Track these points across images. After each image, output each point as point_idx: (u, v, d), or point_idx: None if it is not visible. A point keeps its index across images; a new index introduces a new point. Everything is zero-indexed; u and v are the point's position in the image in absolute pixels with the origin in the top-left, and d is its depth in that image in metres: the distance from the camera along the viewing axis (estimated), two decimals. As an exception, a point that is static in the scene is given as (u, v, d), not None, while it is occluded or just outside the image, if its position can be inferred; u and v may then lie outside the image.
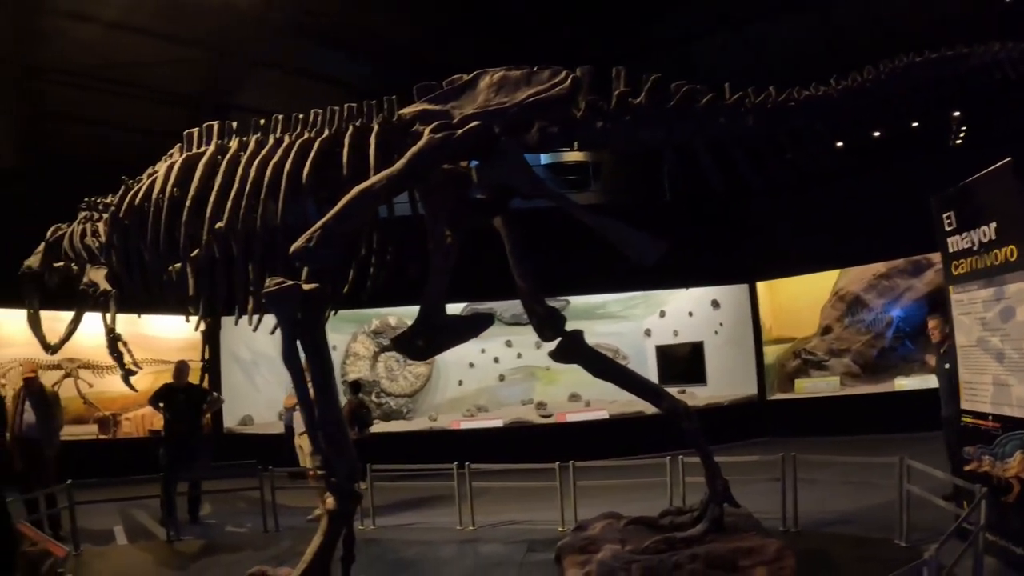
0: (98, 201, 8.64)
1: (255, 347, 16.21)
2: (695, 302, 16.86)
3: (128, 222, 7.58)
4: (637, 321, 16.70)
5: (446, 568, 7.88)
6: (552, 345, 7.02)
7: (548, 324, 6.90)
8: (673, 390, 7.39)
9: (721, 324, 16.94)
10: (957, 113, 15.17)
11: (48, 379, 12.24)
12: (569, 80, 5.97)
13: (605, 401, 15.69)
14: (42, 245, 9.46)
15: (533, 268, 6.98)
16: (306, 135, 6.74)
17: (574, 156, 17.29)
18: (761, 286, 17.22)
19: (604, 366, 7.11)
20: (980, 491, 5.95)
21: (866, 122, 7.81)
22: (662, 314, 16.76)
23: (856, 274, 16.02)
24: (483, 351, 15.86)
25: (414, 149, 5.81)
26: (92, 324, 9.63)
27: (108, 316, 8.73)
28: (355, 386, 12.82)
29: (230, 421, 16.53)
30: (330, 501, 5.49)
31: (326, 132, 6.65)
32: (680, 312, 16.80)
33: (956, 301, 7.54)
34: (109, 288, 8.37)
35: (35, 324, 10.06)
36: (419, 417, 16.30)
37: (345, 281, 6.82)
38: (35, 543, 6.06)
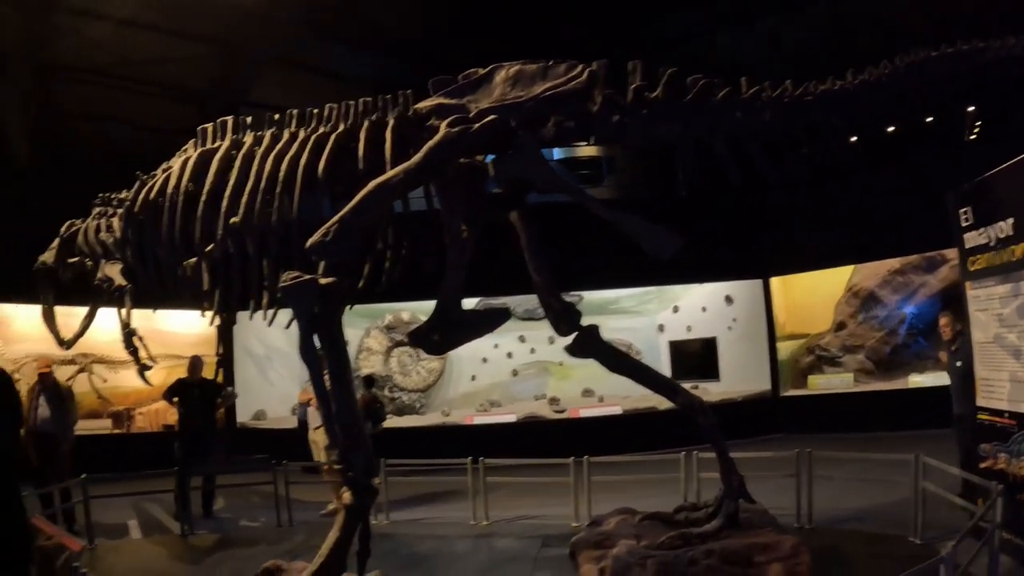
0: (112, 197, 8.68)
1: (268, 342, 16.28)
2: (708, 297, 16.82)
3: (143, 217, 7.60)
4: (650, 316, 16.67)
5: (460, 563, 7.87)
6: (567, 340, 7.02)
7: (564, 319, 6.89)
8: (686, 386, 7.36)
9: (734, 320, 16.88)
10: (972, 108, 15.06)
11: (62, 374, 12.30)
12: (585, 74, 5.95)
13: (618, 396, 15.70)
14: (56, 241, 9.51)
15: (549, 262, 6.97)
16: (321, 130, 6.74)
17: (587, 151, 17.25)
18: (775, 282, 17.15)
19: (620, 361, 7.11)
20: (996, 489, 5.91)
21: (882, 116, 7.77)
22: (675, 309, 16.72)
23: (870, 270, 15.95)
24: (496, 346, 15.85)
25: (431, 143, 5.80)
26: (106, 319, 9.69)
27: (123, 311, 8.76)
28: (369, 381, 12.84)
29: (243, 416, 16.61)
30: (347, 496, 5.49)
31: (341, 127, 6.65)
32: (693, 307, 16.76)
33: (972, 297, 7.49)
34: (124, 283, 8.41)
35: (49, 319, 10.13)
36: (432, 412, 16.32)
37: (360, 275, 6.82)
38: (50, 537, 6.07)
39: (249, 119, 7.28)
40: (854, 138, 12.90)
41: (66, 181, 12.86)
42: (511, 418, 15.97)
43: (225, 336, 16.18)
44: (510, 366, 16.41)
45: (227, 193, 6.85)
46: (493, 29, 14.55)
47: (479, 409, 16.20)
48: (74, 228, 9.33)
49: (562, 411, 16.08)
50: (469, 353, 15.27)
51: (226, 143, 7.18)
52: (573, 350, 6.96)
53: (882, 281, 15.72)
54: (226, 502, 11.72)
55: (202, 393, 11.13)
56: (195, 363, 11.35)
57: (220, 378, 14.58)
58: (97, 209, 9.01)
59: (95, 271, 8.96)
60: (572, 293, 14.86)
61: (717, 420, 6.79)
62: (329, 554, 5.36)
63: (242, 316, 7.73)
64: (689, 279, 16.36)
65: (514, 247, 7.01)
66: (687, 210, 15.22)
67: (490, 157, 6.44)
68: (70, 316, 10.27)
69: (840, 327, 16.27)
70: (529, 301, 13.76)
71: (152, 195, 7.50)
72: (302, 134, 6.80)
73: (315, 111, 6.94)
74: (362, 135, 6.46)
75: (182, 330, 15.58)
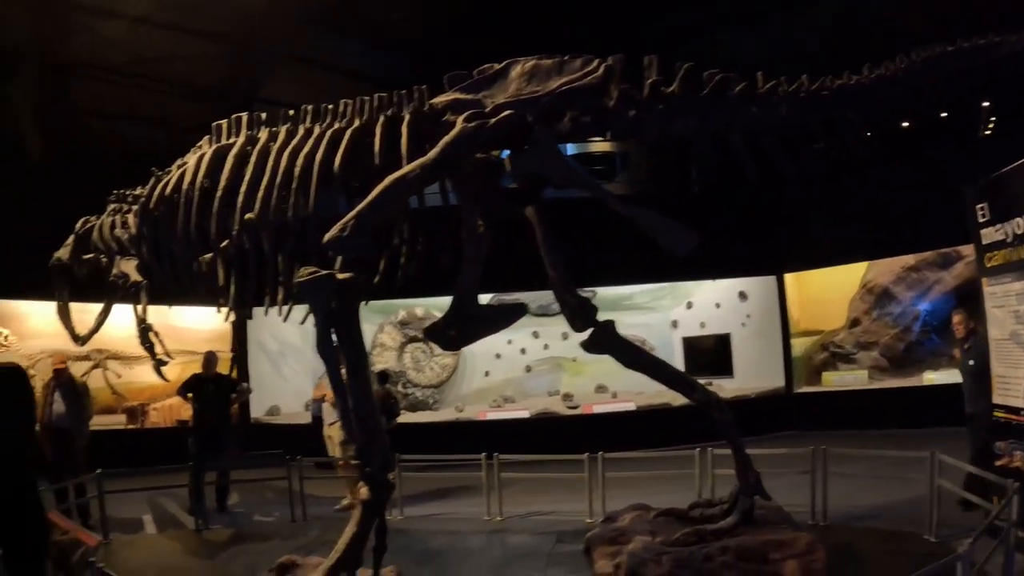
0: (127, 193, 8.72)
1: (282, 338, 16.34)
2: (722, 294, 16.77)
3: (158, 213, 7.62)
4: (664, 312, 16.64)
5: (474, 558, 7.87)
6: (580, 336, 7.01)
7: (580, 315, 6.87)
8: (699, 382, 7.34)
9: (748, 316, 16.81)
10: (986, 103, 14.98)
11: (77, 370, 12.35)
12: (602, 69, 5.93)
13: (632, 392, 15.67)
14: (71, 237, 9.54)
15: (564, 258, 6.95)
16: (336, 125, 6.72)
17: (600, 146, 17.21)
18: (789, 278, 17.07)
19: (636, 357, 7.09)
20: (1012, 487, 5.88)
21: (898, 111, 7.73)
22: (689, 305, 16.69)
23: (885, 266, 15.87)
24: (510, 342, 15.85)
25: (447, 138, 5.79)
26: (120, 316, 9.73)
27: (139, 307, 8.80)
28: (382, 376, 12.85)
29: (257, 411, 16.63)
30: (363, 491, 5.50)
31: (356, 122, 6.64)
32: (707, 304, 16.72)
33: (989, 294, 7.46)
34: (140, 279, 8.45)
35: (64, 315, 10.17)
36: (446, 408, 16.35)
37: (376, 271, 6.82)
38: (66, 532, 6.10)
39: (263, 115, 7.29)
40: (868, 133, 12.84)
41: (80, 178, 12.93)
42: (524, 414, 15.96)
43: (239, 332, 16.26)
44: (523, 362, 16.42)
45: (242, 189, 6.85)
46: (503, 24, 14.52)
47: (492, 405, 16.19)
48: (89, 225, 9.37)
49: (575, 407, 16.06)
50: (482, 349, 15.31)
51: (241, 139, 7.19)
52: (589, 346, 6.93)
53: (897, 277, 15.64)
54: (240, 497, 11.74)
55: (217, 389, 11.17)
56: (210, 359, 11.38)
57: (235, 374, 14.63)
58: (112, 206, 9.05)
59: (110, 267, 9.01)
60: (585, 289, 14.84)
61: (733, 416, 6.78)
62: (345, 549, 5.38)
63: (256, 312, 7.74)
64: (703, 275, 16.31)
65: (526, 243, 7.00)
66: (701, 206, 15.16)
67: (505, 152, 6.44)
68: (85, 312, 10.32)
69: (854, 324, 16.21)
70: (542, 297, 13.79)
71: (167, 191, 7.51)
72: (317, 130, 6.79)
73: (330, 107, 6.92)
74: (378, 130, 6.45)
75: (196, 326, 15.64)
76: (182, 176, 7.43)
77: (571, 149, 17.17)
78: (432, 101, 6.47)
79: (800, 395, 16.69)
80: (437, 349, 15.83)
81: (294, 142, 6.82)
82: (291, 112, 7.13)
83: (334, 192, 6.52)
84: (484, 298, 7.32)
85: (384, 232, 6.65)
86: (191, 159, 7.53)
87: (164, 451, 11.62)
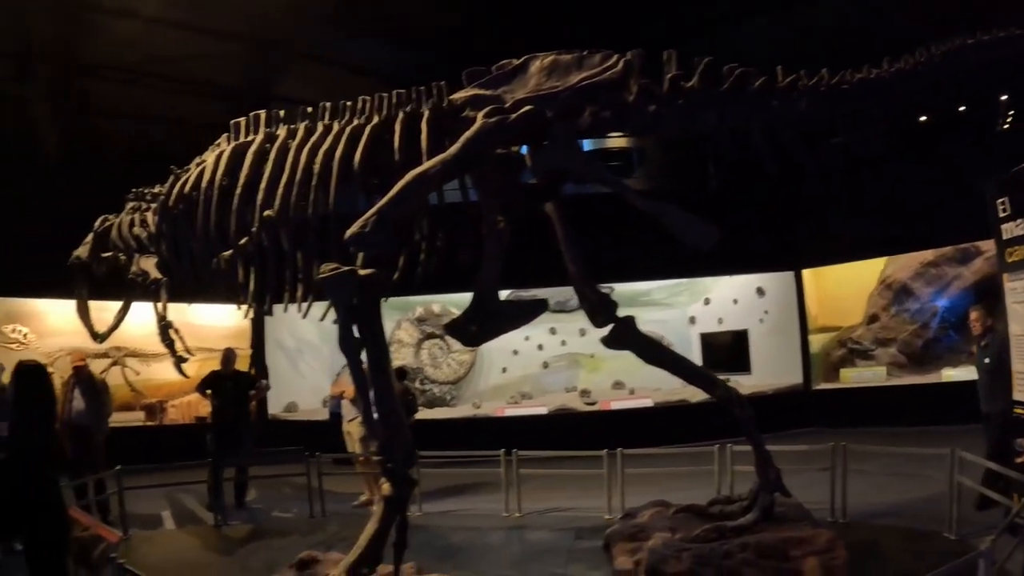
0: (145, 191, 8.76)
1: (299, 335, 16.42)
2: (740, 290, 16.68)
3: (177, 211, 7.64)
4: (681, 308, 16.56)
5: (494, 554, 7.89)
6: (597, 332, 7.01)
7: (600, 310, 6.87)
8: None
9: (766, 312, 16.72)
10: (1005, 97, 14.86)
11: (95, 367, 12.41)
12: (621, 64, 5.89)
13: (649, 389, 15.64)
14: (90, 236, 9.59)
15: (583, 253, 6.94)
16: (355, 122, 6.71)
17: (617, 142, 17.14)
18: (807, 273, 16.95)
19: (656, 353, 7.09)
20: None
21: (918, 105, 7.67)
22: (706, 301, 16.60)
23: (903, 262, 15.70)
24: (527, 338, 15.80)
25: (468, 134, 5.77)
26: (138, 313, 9.78)
27: (159, 304, 8.83)
28: (400, 373, 12.88)
29: (275, 408, 16.72)
30: (386, 487, 5.49)
31: (376, 119, 6.62)
32: (725, 300, 16.62)
33: (1010, 289, 7.40)
34: (160, 276, 8.48)
35: (84, 313, 10.23)
36: (463, 404, 16.37)
37: (397, 267, 6.82)
38: (87, 528, 6.12)
39: (282, 113, 7.29)
40: (887, 128, 12.75)
41: (98, 177, 13.03)
42: (542, 410, 15.99)
43: (257, 329, 16.33)
44: (541, 358, 16.37)
45: (262, 186, 6.86)
46: (523, 19, 14.50)
47: (510, 401, 16.20)
48: (107, 223, 9.43)
49: (593, 403, 16.05)
50: (500, 345, 15.21)
51: (260, 137, 7.19)
52: (610, 342, 6.92)
53: (915, 273, 15.49)
54: (259, 493, 11.81)
55: (235, 385, 11.24)
56: (228, 355, 11.44)
57: (254, 372, 14.67)
58: (130, 204, 9.10)
59: (128, 265, 9.05)
60: (603, 285, 14.79)
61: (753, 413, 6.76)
62: (367, 545, 5.37)
63: (274, 309, 7.75)
64: (721, 271, 16.21)
65: (543, 239, 6.99)
66: (718, 202, 15.13)
67: (524, 148, 6.43)
68: (103, 311, 10.37)
69: (872, 320, 16.07)
70: (560, 293, 13.73)
71: (187, 189, 7.53)
72: (336, 127, 6.79)
73: (348, 103, 6.91)
74: (397, 127, 6.44)
75: (214, 323, 15.70)
76: (201, 174, 7.44)
77: (587, 145, 17.09)
78: (451, 97, 6.45)
79: (818, 392, 16.61)
80: (454, 345, 15.89)
81: (313, 139, 6.81)
82: (309, 109, 7.13)
83: (353, 189, 6.52)
84: (501, 295, 7.31)
85: (405, 228, 6.63)
86: (210, 157, 7.54)
87: (182, 447, 11.68)
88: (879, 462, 9.30)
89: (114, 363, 15.25)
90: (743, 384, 15.49)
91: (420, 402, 14.65)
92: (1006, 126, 15.10)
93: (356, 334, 5.52)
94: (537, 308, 7.27)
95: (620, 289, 15.52)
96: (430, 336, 16.34)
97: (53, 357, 13.68)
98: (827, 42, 14.31)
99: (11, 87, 14.61)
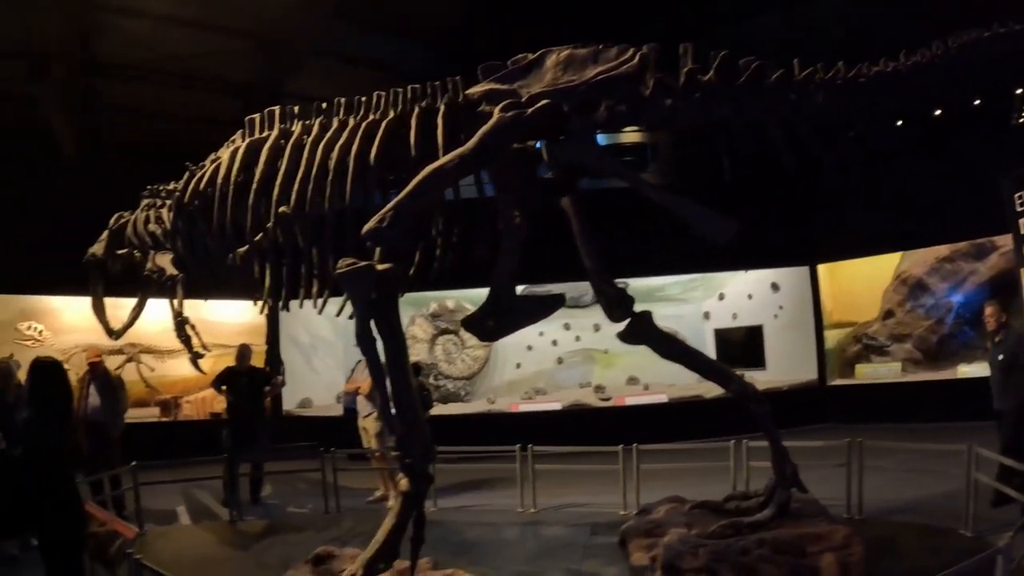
0: (160, 188, 8.78)
1: (314, 331, 16.46)
2: (754, 285, 16.63)
3: (192, 207, 7.67)
4: (696, 304, 16.51)
5: (510, 550, 7.87)
6: (612, 328, 7.00)
7: (617, 305, 6.84)
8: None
9: (781, 307, 16.66)
10: (1021, 90, 14.76)
11: (111, 364, 12.46)
12: (637, 58, 5.85)
13: (663, 384, 15.66)
14: (105, 233, 9.64)
15: (600, 248, 6.92)
16: (371, 117, 6.69)
17: (631, 137, 17.08)
18: (822, 269, 16.88)
19: (673, 347, 7.05)
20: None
21: (935, 98, 7.60)
22: (721, 297, 16.56)
23: (919, 257, 15.62)
24: (541, 334, 15.78)
25: (484, 128, 5.74)
26: (153, 310, 9.82)
27: (175, 300, 8.86)
28: (415, 369, 12.88)
29: (289, 404, 16.77)
30: (404, 482, 5.49)
31: (391, 114, 6.60)
32: (739, 295, 16.58)
33: (1029, 284, 7.36)
34: (176, 273, 8.51)
35: (99, 310, 10.30)
36: (477, 400, 16.37)
37: (413, 262, 6.81)
38: (103, 523, 6.14)
39: (296, 109, 7.29)
40: (903, 121, 12.69)
41: (113, 175, 13.10)
42: (556, 406, 16.01)
43: (272, 325, 16.38)
44: (555, 354, 16.35)
45: (277, 182, 6.86)
46: (534, 15, 14.48)
47: (524, 397, 16.22)
48: (122, 220, 9.47)
49: (607, 399, 16.06)
50: (514, 341, 15.20)
51: (275, 133, 7.18)
52: (626, 337, 6.90)
53: (931, 268, 15.39)
54: (274, 489, 11.86)
55: (250, 381, 11.26)
56: (244, 352, 11.47)
57: (269, 368, 14.71)
58: (145, 201, 9.13)
59: (144, 262, 9.08)
60: (618, 280, 14.77)
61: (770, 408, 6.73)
62: (384, 540, 5.37)
63: (289, 305, 7.76)
64: (735, 266, 16.18)
65: (558, 234, 6.97)
66: (732, 196, 15.07)
67: (540, 143, 6.41)
68: (118, 307, 10.42)
69: (888, 315, 15.97)
70: (574, 288, 13.72)
71: (202, 185, 7.56)
72: (351, 122, 6.76)
73: (363, 99, 6.88)
74: (413, 122, 6.42)
75: (229, 319, 15.75)
76: (216, 170, 7.46)
77: (602, 140, 17.04)
78: (467, 92, 6.42)
79: (833, 388, 16.55)
80: (468, 341, 15.91)
81: (328, 135, 6.80)
82: (324, 105, 7.12)
83: (369, 184, 6.51)
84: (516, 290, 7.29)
85: (421, 223, 6.63)
86: (224, 153, 7.55)
87: (197, 443, 11.73)
88: (895, 458, 9.26)
89: (129, 359, 15.33)
90: (758, 380, 15.19)
91: (435, 398, 14.66)
92: (1022, 120, 14.99)
93: (374, 329, 5.51)
94: (554, 303, 7.23)
95: (635, 284, 15.41)
96: (444, 332, 16.36)
97: (68, 354, 13.77)
98: (840, 37, 14.29)
99: (26, 87, 14.67)
